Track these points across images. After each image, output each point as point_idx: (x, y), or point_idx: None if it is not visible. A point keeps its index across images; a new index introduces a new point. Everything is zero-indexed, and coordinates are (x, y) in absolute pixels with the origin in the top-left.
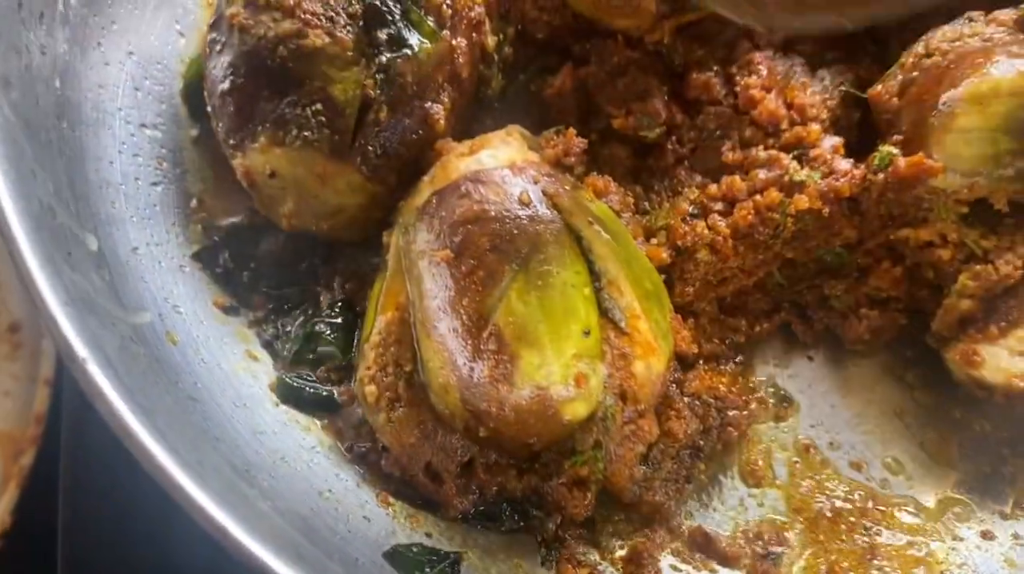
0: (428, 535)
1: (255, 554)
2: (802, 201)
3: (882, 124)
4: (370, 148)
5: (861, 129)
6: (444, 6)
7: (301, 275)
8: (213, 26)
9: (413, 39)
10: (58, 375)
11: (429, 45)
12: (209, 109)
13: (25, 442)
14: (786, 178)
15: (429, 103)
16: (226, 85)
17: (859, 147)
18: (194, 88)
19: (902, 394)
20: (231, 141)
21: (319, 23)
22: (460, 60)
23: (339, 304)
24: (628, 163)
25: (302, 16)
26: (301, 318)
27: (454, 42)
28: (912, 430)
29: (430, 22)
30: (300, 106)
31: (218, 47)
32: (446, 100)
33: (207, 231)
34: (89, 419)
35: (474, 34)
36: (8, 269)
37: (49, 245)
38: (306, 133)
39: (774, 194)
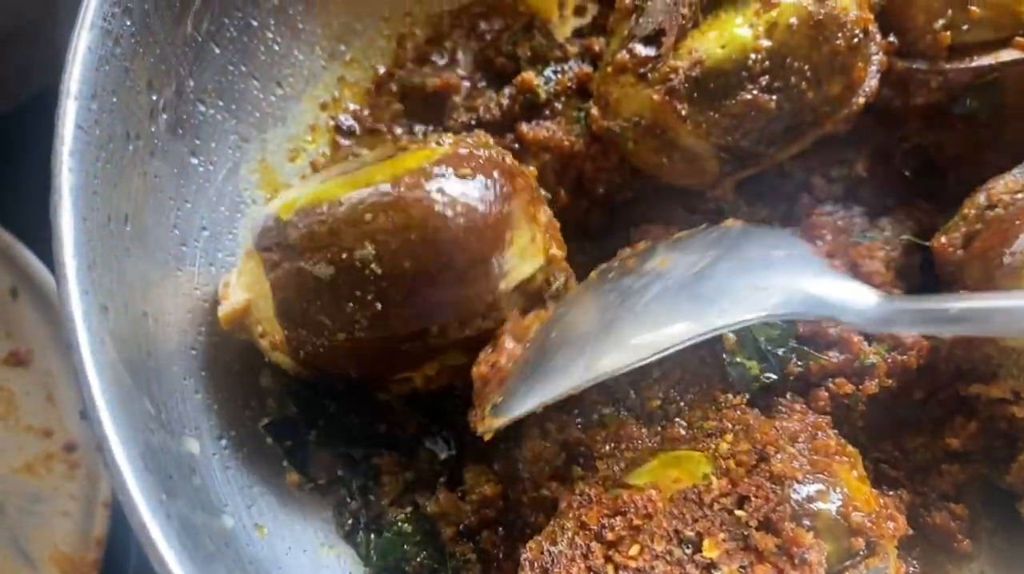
0: None
1: None
2: (871, 387)
3: (946, 275)
4: None
5: (922, 272)
6: None
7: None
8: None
9: None
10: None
11: None
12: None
13: (86, 567)
14: (857, 363)
15: None
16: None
17: (922, 291)
18: None
19: (978, 539)
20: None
21: None
22: None
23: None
24: None
25: None
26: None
27: None
28: None
29: None
30: None
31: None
32: None
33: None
34: None
35: None
36: (64, 385)
37: (155, 483)
38: None
39: (847, 387)
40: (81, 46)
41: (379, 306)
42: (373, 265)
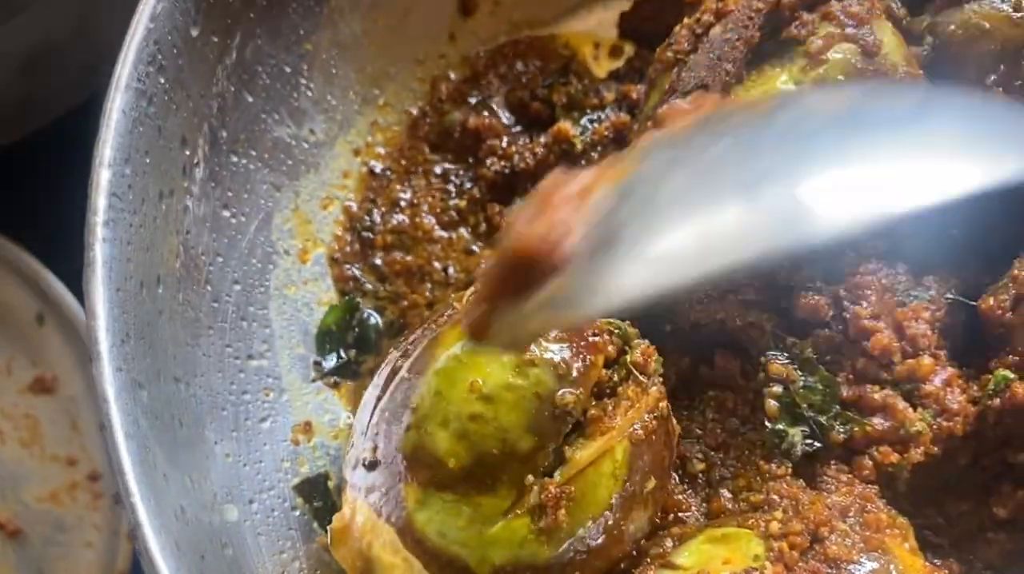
0: None
1: None
2: (917, 455)
3: (992, 338)
4: None
5: (966, 331)
6: None
7: None
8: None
9: None
10: None
11: None
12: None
13: None
14: (902, 431)
15: None
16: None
17: (967, 351)
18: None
19: None
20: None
21: None
22: None
23: None
24: None
25: None
26: None
27: None
28: None
29: None
30: None
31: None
32: None
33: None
34: None
35: None
36: (89, 412)
37: (190, 567)
38: None
39: (892, 456)
40: (115, 110)
41: None
42: None
